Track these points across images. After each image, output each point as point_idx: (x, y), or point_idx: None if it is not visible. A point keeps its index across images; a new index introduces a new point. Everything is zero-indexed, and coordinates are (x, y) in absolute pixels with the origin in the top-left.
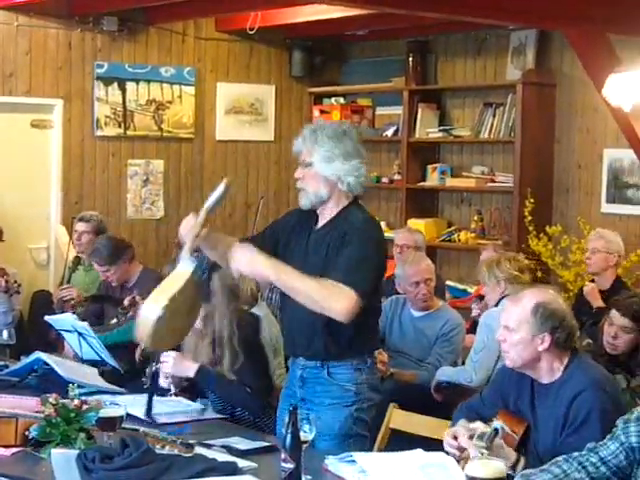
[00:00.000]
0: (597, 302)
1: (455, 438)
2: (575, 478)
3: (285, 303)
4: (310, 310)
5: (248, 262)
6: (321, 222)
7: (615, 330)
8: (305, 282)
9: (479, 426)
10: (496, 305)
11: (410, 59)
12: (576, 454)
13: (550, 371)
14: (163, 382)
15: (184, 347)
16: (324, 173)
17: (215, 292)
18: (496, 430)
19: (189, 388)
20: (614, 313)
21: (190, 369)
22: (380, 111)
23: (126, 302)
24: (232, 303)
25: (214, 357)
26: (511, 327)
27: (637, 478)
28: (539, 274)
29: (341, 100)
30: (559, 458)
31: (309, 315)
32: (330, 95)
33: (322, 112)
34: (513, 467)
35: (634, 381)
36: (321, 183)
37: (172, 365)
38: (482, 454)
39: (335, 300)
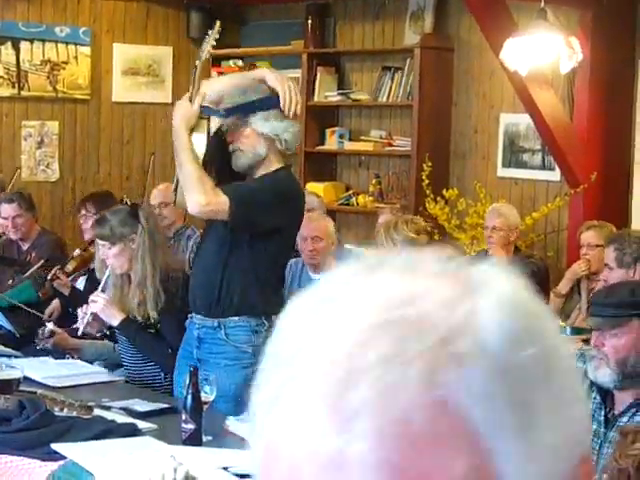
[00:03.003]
0: None
1: None
2: None
3: (195, 261)
4: (214, 266)
5: (176, 116)
6: (255, 175)
7: None
8: (191, 164)
9: None
10: None
11: (309, 22)
12: None
13: None
14: (80, 321)
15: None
16: (262, 130)
17: (138, 232)
18: None
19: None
20: None
21: (116, 318)
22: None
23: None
24: (152, 242)
25: (141, 298)
26: None
27: None
28: (436, 237)
29: (239, 63)
30: None
31: (212, 270)
32: (228, 57)
33: (220, 74)
34: None
35: None
36: (258, 141)
37: (101, 308)
38: None
39: (200, 192)
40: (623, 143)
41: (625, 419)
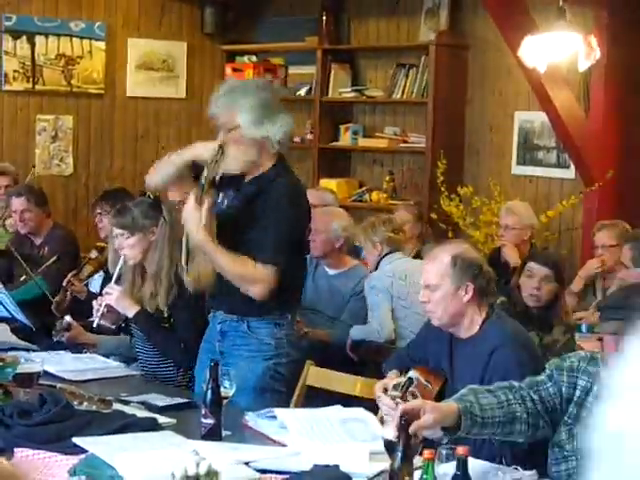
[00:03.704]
0: (515, 260)
1: (386, 391)
2: (515, 410)
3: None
4: None
5: (191, 225)
6: (247, 177)
7: (537, 281)
8: (229, 264)
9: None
10: (376, 268)
11: (324, 18)
12: (517, 385)
13: (470, 325)
14: (95, 314)
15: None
16: (253, 136)
17: (160, 224)
18: (410, 379)
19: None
20: (533, 265)
21: (131, 309)
22: (293, 70)
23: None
24: (172, 235)
25: (155, 290)
26: (433, 284)
27: (560, 426)
28: (450, 234)
29: (254, 58)
30: (505, 384)
31: None
32: (243, 53)
33: (234, 70)
34: None
35: (546, 338)
36: (250, 146)
37: (115, 299)
38: (397, 404)
39: (253, 285)
40: (639, 141)
41: None
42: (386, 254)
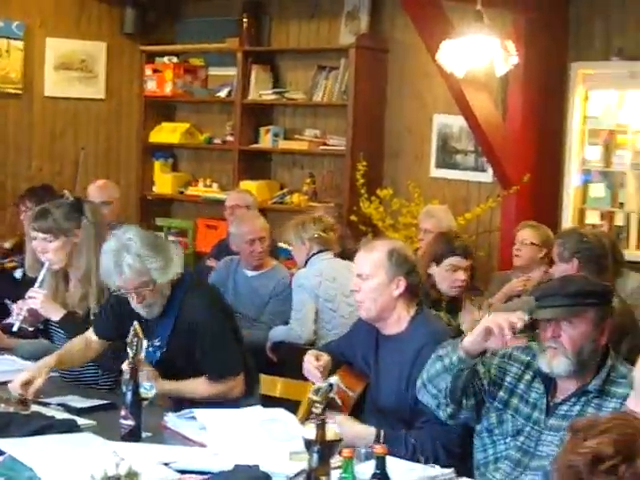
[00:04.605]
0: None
1: (317, 359)
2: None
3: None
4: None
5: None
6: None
7: (463, 273)
8: (196, 393)
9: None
10: (305, 265)
11: (244, 20)
12: None
13: (397, 322)
14: (14, 316)
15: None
16: (165, 280)
17: (83, 226)
18: (330, 385)
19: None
20: (457, 259)
21: (56, 314)
22: (213, 71)
23: None
24: (98, 236)
25: (85, 292)
26: (366, 274)
27: (490, 412)
28: (370, 236)
29: (174, 59)
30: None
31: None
32: (163, 54)
33: (155, 71)
34: (377, 439)
35: (454, 322)
36: (163, 290)
37: (40, 303)
38: (316, 407)
39: (229, 396)
40: (555, 145)
41: (565, 407)
42: (315, 253)
